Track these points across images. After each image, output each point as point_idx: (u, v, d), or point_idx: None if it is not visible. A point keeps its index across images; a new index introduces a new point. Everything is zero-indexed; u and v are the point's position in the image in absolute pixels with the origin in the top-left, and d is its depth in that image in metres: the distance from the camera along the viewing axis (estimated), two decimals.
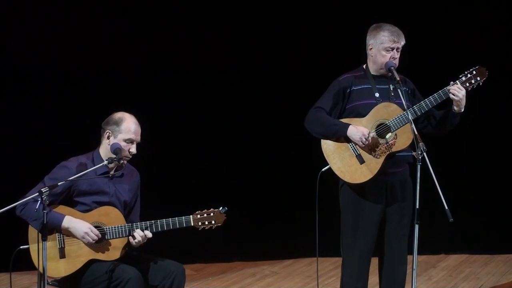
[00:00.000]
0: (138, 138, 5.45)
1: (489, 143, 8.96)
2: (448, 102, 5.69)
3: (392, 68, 5.63)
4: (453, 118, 5.71)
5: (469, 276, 8.15)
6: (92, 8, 8.63)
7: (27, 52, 8.58)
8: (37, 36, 8.57)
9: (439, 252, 9.09)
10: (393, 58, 5.66)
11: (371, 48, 5.72)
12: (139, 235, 5.31)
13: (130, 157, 5.45)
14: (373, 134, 5.60)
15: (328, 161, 5.68)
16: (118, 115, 5.46)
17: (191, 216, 5.38)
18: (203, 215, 5.40)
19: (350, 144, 5.65)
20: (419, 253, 5.37)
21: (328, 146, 5.69)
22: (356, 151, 5.64)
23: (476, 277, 8.08)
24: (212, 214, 5.41)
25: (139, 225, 5.34)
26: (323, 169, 5.70)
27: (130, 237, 5.33)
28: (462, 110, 5.66)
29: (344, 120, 5.67)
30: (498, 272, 8.26)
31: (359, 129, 5.58)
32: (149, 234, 5.34)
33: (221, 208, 5.42)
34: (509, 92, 8.81)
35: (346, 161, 5.65)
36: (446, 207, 5.07)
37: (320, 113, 5.67)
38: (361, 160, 5.62)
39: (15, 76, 8.63)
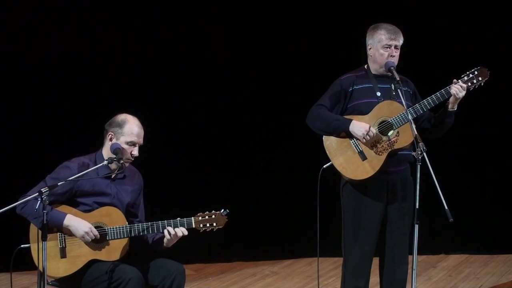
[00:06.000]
0: (141, 140, 5.44)
1: (489, 143, 8.97)
2: (442, 104, 5.71)
3: (392, 68, 5.65)
4: (448, 118, 5.72)
5: (469, 276, 8.16)
6: (98, 9, 8.64)
7: (29, 51, 8.59)
8: (40, 36, 8.58)
9: (439, 252, 9.10)
10: (391, 56, 5.68)
11: (370, 48, 5.75)
12: (171, 233, 5.31)
13: (132, 159, 5.45)
14: (375, 130, 5.62)
15: (330, 158, 5.69)
16: (121, 117, 5.44)
17: (192, 218, 5.38)
18: (205, 217, 5.39)
19: (353, 140, 5.66)
20: (419, 253, 5.37)
21: (331, 143, 5.70)
22: (359, 148, 5.65)
23: (476, 277, 8.08)
24: (213, 216, 5.40)
25: (140, 226, 5.34)
26: (324, 166, 5.71)
27: (165, 234, 5.33)
28: (455, 108, 5.68)
29: (346, 117, 5.68)
30: (498, 272, 8.27)
31: (361, 124, 5.60)
32: (185, 231, 5.33)
33: (222, 210, 5.41)
34: (509, 93, 8.82)
35: (348, 158, 5.66)
36: (446, 207, 5.07)
37: (321, 109, 5.69)
38: (363, 157, 5.63)
39: (18, 76, 8.64)
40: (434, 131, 5.81)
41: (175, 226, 5.34)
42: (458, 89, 5.60)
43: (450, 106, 5.67)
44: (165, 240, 5.37)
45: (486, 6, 8.79)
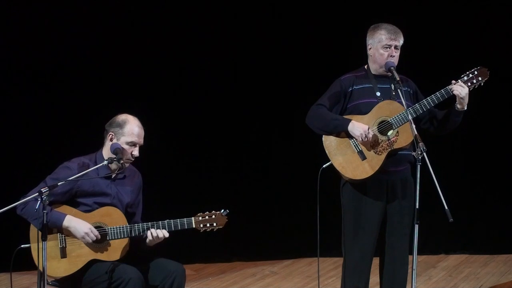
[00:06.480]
0: (141, 141, 5.44)
1: (488, 143, 8.97)
2: (449, 102, 5.70)
3: (392, 68, 5.65)
4: (456, 117, 5.71)
5: (469, 276, 8.16)
6: (98, 8, 8.64)
7: (29, 51, 8.59)
8: (40, 36, 8.58)
9: (439, 252, 9.10)
10: (391, 56, 5.67)
11: (370, 48, 5.75)
12: (153, 235, 5.32)
13: (133, 159, 5.45)
14: (374, 130, 5.61)
15: (330, 157, 5.69)
16: (122, 117, 5.45)
17: (192, 218, 5.38)
18: (205, 217, 5.39)
19: (352, 140, 5.66)
20: (419, 253, 5.37)
21: (330, 142, 5.70)
22: (358, 148, 5.65)
23: (476, 277, 8.08)
24: (213, 216, 5.40)
25: (140, 226, 5.34)
26: (324, 166, 5.71)
27: (148, 235, 5.34)
28: (465, 108, 5.67)
29: (346, 117, 5.68)
30: (498, 272, 8.27)
31: (359, 125, 5.59)
32: (166, 233, 5.34)
33: (222, 210, 5.41)
34: (509, 92, 8.82)
35: (347, 157, 5.66)
36: (446, 207, 5.07)
37: (321, 109, 5.69)
38: (363, 157, 5.63)
39: (19, 76, 8.64)
40: (438, 130, 5.80)
41: (175, 226, 5.35)
42: (459, 88, 5.60)
43: (459, 107, 5.65)
44: (147, 240, 5.37)
45: (486, 6, 8.78)
